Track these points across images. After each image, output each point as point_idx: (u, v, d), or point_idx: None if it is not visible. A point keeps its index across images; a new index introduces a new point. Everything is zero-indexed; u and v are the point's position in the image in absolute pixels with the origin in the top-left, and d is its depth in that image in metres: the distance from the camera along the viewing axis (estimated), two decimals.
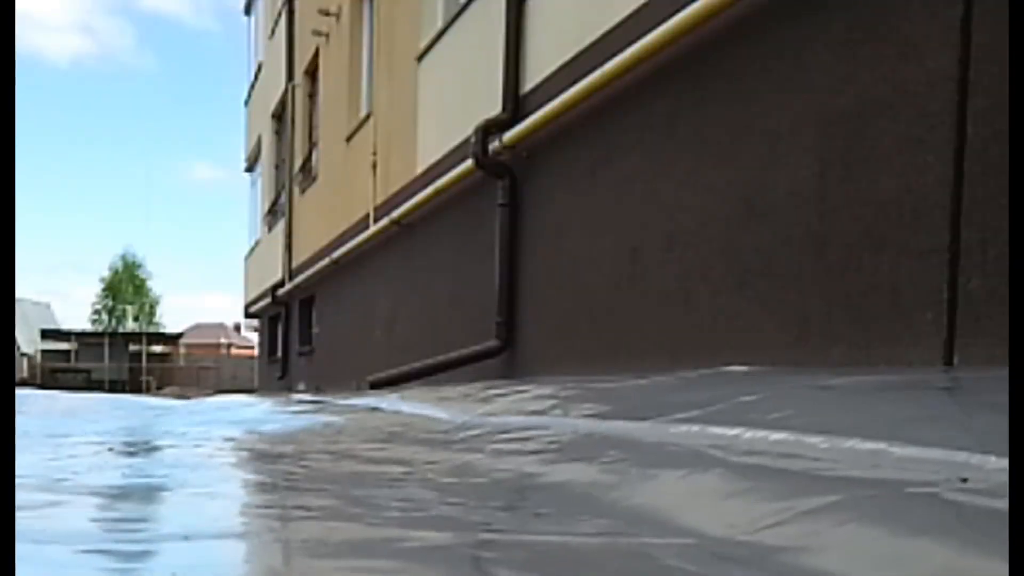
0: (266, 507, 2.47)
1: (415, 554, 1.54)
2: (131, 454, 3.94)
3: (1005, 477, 1.22)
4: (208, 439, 4.53)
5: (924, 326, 2.66)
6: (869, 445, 1.63)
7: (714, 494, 1.72)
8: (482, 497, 2.22)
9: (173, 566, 1.48)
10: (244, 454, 4.12)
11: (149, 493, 2.62)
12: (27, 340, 33.72)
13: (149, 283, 48.08)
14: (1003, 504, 1.15)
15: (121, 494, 2.57)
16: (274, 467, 3.39)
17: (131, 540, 1.73)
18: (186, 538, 1.70)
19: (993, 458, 1.36)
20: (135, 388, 29.70)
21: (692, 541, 1.52)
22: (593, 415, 2.93)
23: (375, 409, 5.30)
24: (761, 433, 1.94)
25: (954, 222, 2.59)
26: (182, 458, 3.74)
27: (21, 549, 1.37)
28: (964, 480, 1.35)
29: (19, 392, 6.25)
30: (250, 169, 18.66)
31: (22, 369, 31.87)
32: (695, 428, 2.21)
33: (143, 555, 1.59)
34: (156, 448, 4.23)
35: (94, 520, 2.14)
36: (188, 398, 13.76)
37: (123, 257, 47.46)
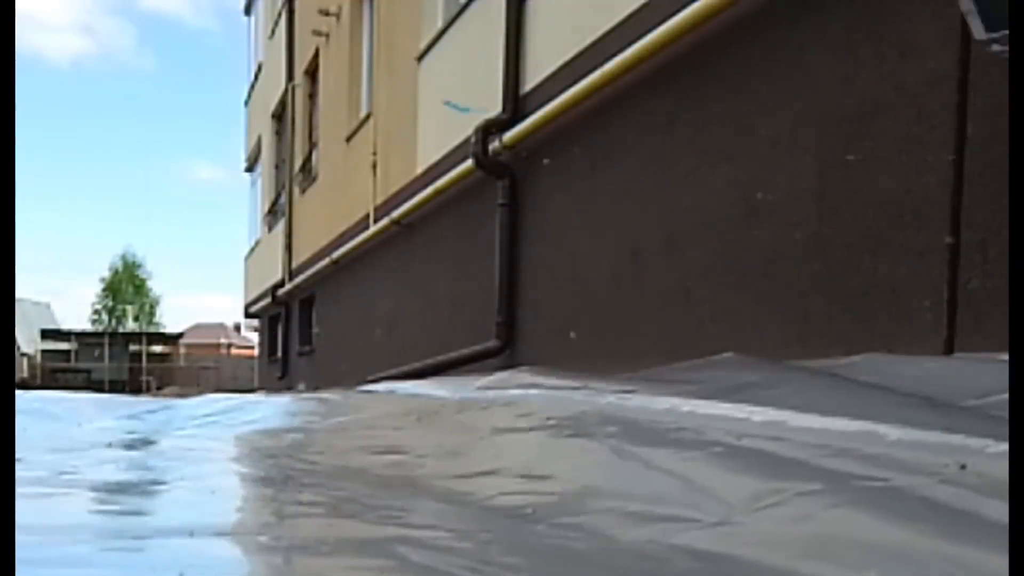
0: (265, 501, 2.47)
1: (414, 552, 1.54)
2: (132, 449, 3.94)
3: (1004, 462, 1.21)
4: (211, 432, 4.53)
5: (924, 326, 2.66)
6: (867, 427, 1.63)
7: (709, 474, 1.72)
8: (478, 489, 2.22)
9: (177, 563, 1.48)
10: (243, 446, 4.11)
11: (150, 489, 2.62)
12: (27, 340, 33.67)
13: (149, 283, 48.08)
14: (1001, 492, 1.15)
15: (122, 491, 2.57)
16: (273, 460, 3.38)
17: (135, 536, 1.73)
18: (191, 534, 1.70)
19: (992, 442, 1.36)
20: (135, 388, 29.63)
21: (687, 525, 1.52)
22: (590, 388, 2.90)
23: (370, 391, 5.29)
24: (757, 411, 1.94)
25: (954, 222, 2.59)
26: (184, 453, 3.74)
27: (23, 541, 1.37)
28: (963, 467, 1.35)
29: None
30: (250, 169, 18.64)
31: (22, 369, 31.82)
32: (692, 406, 2.20)
33: (146, 551, 1.59)
34: (156, 442, 4.23)
35: (98, 514, 2.14)
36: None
37: (123, 257, 47.46)
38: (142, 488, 2.63)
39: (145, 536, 1.77)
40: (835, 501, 1.39)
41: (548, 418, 2.68)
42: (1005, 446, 1.25)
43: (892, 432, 1.56)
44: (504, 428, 2.81)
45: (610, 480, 1.98)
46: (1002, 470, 1.19)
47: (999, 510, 1.12)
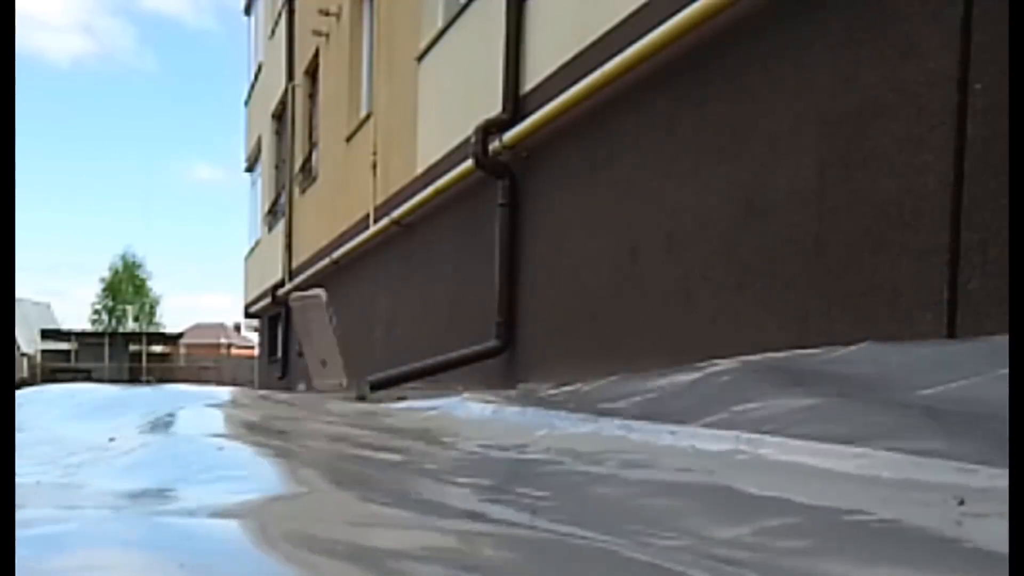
0: (264, 483, 2.46)
1: (414, 548, 1.54)
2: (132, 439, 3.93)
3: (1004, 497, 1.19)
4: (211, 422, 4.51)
5: (924, 326, 2.66)
6: (860, 451, 1.62)
7: (703, 495, 1.72)
8: (476, 489, 2.22)
9: (176, 537, 1.47)
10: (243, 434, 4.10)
11: (147, 470, 2.61)
12: (27, 340, 33.62)
13: (149, 283, 48.13)
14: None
15: (122, 479, 2.57)
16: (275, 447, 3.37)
17: (133, 514, 1.73)
18: (191, 514, 1.70)
19: (992, 471, 1.34)
20: None
21: (674, 543, 1.51)
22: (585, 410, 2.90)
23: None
24: (746, 435, 1.93)
25: (954, 222, 2.59)
26: (181, 436, 3.72)
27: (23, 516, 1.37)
28: (961, 502, 1.33)
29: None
30: (250, 169, 18.66)
31: (22, 369, 31.78)
32: (693, 430, 2.20)
33: (144, 527, 1.59)
34: (159, 430, 4.21)
35: (100, 494, 2.14)
36: None
37: (123, 257, 47.52)
38: (138, 469, 2.62)
39: (144, 514, 1.77)
40: (823, 533, 1.38)
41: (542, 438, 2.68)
42: (1005, 482, 1.23)
43: (887, 466, 1.54)
44: (494, 445, 2.80)
45: (604, 486, 1.97)
46: (1002, 506, 1.18)
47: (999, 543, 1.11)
